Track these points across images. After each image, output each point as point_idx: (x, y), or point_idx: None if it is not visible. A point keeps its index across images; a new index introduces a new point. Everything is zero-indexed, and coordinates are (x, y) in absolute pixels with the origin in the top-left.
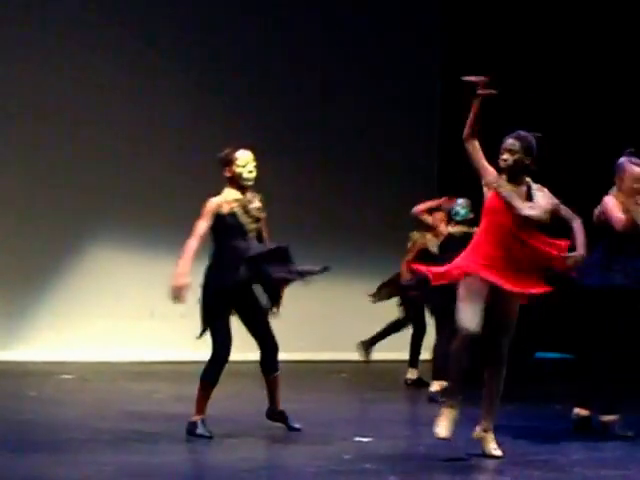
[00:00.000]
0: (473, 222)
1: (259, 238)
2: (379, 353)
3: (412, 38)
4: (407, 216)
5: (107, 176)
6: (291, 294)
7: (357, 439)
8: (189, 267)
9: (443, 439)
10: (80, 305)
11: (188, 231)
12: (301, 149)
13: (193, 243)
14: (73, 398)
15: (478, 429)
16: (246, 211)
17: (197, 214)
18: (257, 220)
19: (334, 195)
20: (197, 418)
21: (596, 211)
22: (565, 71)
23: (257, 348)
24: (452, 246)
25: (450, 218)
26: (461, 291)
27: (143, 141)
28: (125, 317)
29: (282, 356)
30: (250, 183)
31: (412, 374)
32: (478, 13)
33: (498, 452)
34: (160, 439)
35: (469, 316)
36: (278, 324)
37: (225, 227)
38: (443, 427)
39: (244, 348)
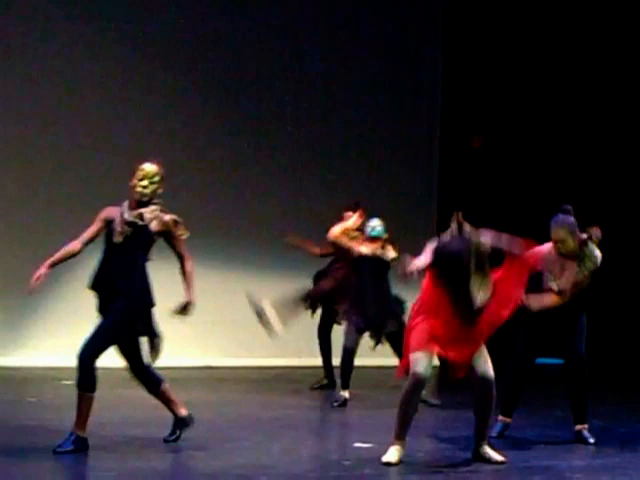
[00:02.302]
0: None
1: (135, 245)
2: (379, 359)
3: (412, 38)
4: (407, 218)
5: (106, 182)
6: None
7: (357, 445)
8: (50, 262)
9: (390, 463)
10: (80, 311)
11: (188, 236)
12: (301, 149)
13: (71, 243)
14: (73, 404)
15: (475, 449)
16: (120, 220)
17: (196, 220)
18: (132, 228)
19: (334, 196)
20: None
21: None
22: (565, 69)
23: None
24: (363, 268)
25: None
26: (413, 339)
27: (140, 147)
28: None
29: (283, 362)
30: (141, 198)
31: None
32: (478, 12)
33: (501, 457)
34: (159, 445)
35: (421, 360)
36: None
37: (105, 234)
38: (393, 456)
39: (243, 354)
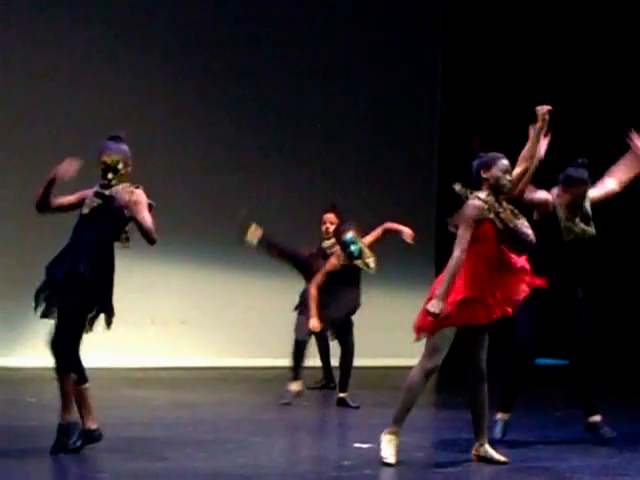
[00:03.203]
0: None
1: (101, 218)
2: (378, 359)
3: (412, 38)
4: (407, 219)
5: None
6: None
7: (357, 445)
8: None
9: (391, 465)
10: None
11: (188, 237)
12: (301, 150)
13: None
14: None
15: (475, 449)
16: (91, 195)
17: (198, 220)
18: (101, 200)
19: (334, 197)
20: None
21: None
22: (566, 69)
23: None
24: (338, 275)
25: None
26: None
27: (141, 147)
28: (125, 323)
29: (283, 362)
30: (110, 188)
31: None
32: (478, 12)
33: (503, 458)
34: (159, 445)
35: (439, 350)
36: (279, 331)
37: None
38: (392, 455)
39: (243, 354)
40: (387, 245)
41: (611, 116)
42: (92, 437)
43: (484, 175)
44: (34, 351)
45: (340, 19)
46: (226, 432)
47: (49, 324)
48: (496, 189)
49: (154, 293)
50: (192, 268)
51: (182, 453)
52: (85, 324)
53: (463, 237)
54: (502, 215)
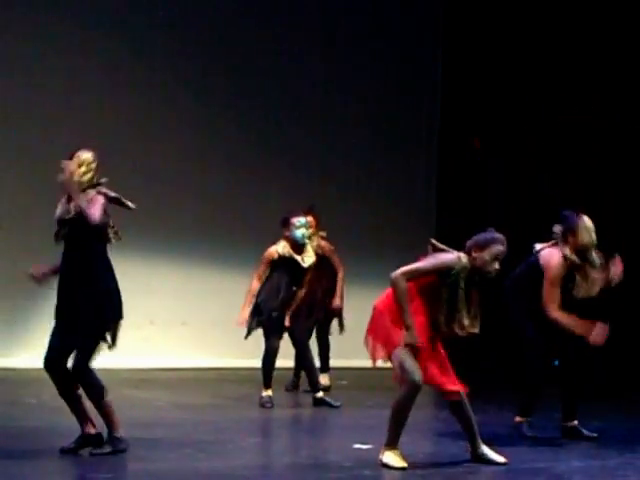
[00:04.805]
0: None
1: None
2: (378, 360)
3: (412, 38)
4: (406, 221)
5: (106, 184)
6: None
7: (357, 446)
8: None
9: (405, 468)
10: None
11: (188, 239)
12: (301, 151)
13: None
14: None
15: (473, 451)
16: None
17: (197, 223)
18: (72, 217)
19: (332, 198)
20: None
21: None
22: (566, 69)
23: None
24: (279, 267)
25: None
26: (400, 351)
27: (140, 148)
28: (125, 324)
29: (283, 362)
30: (79, 186)
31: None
32: (478, 12)
33: (502, 459)
34: (160, 446)
35: (416, 369)
36: None
37: None
38: (400, 461)
39: (243, 355)
40: (387, 246)
41: (611, 117)
42: (91, 441)
43: (474, 254)
44: (34, 351)
45: (339, 20)
46: (226, 433)
47: (49, 325)
48: (479, 270)
49: (154, 294)
50: (192, 269)
51: (182, 453)
52: (101, 341)
53: (417, 268)
54: (459, 291)
